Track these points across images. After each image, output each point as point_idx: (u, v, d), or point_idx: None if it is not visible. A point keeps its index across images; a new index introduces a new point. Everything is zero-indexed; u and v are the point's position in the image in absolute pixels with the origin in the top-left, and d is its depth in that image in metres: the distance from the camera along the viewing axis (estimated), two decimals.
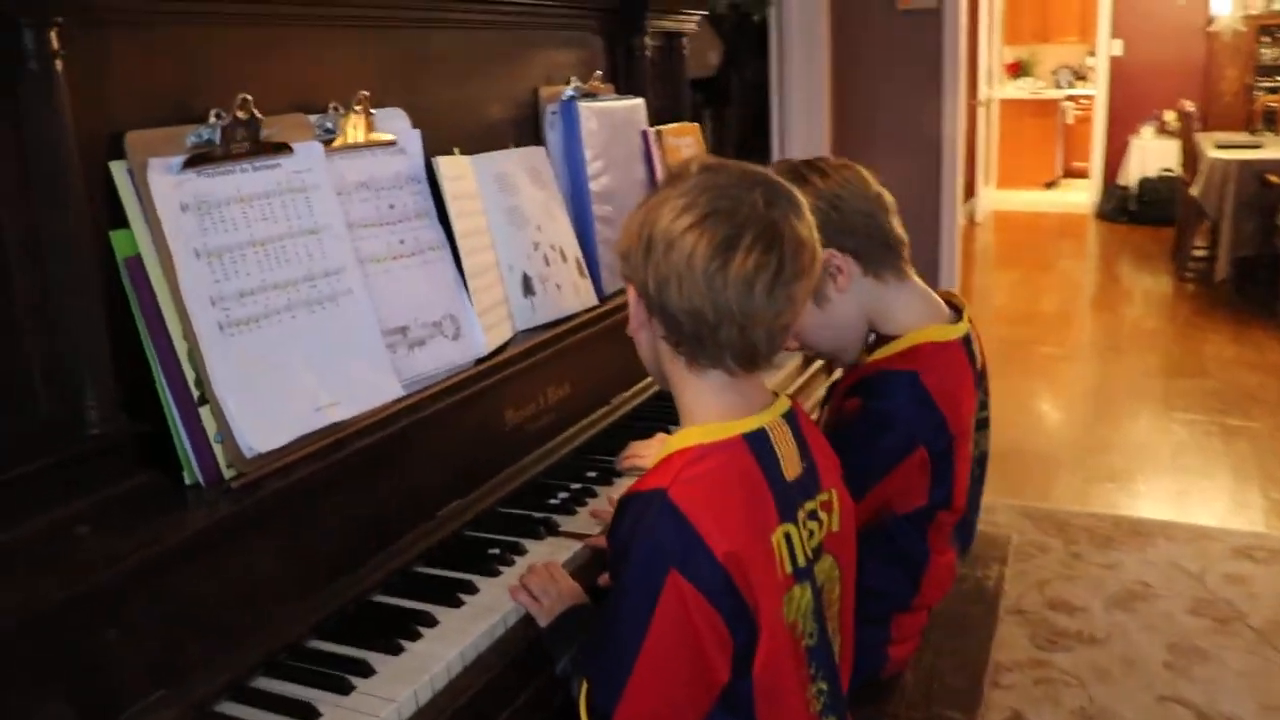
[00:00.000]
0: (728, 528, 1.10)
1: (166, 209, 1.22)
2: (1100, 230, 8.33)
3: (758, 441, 1.17)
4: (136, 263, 1.20)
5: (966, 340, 1.57)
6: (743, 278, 1.11)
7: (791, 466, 1.19)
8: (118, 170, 1.20)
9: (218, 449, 1.23)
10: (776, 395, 1.26)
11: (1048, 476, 3.69)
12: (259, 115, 1.32)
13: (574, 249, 1.96)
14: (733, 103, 6.56)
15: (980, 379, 1.62)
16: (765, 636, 1.13)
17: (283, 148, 1.37)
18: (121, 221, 1.20)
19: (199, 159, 1.26)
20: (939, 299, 1.60)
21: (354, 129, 1.50)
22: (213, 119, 1.28)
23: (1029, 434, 4.11)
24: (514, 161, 1.87)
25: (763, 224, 1.12)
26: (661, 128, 2.30)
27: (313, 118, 1.46)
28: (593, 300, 1.96)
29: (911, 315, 1.53)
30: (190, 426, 1.22)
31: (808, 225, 1.17)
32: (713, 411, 1.19)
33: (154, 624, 1.11)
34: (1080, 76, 10.50)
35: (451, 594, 1.35)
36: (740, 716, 1.15)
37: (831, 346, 1.58)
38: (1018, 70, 10.77)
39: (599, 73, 2.11)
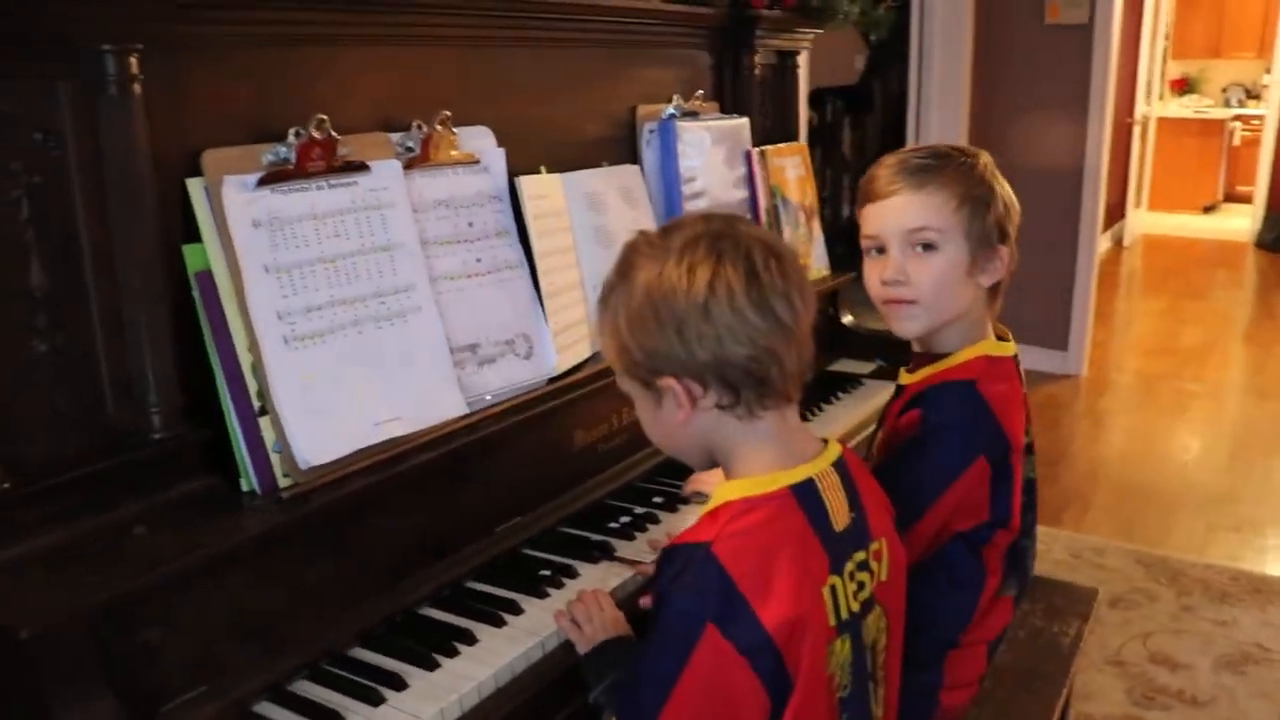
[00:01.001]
0: (778, 591, 1.08)
1: (238, 225, 1.27)
2: (1259, 260, 7.87)
3: (805, 492, 1.14)
4: (206, 277, 1.25)
5: (1016, 360, 1.56)
6: (780, 292, 1.10)
7: (840, 517, 1.16)
8: (194, 187, 1.25)
9: (275, 459, 1.28)
10: (826, 442, 1.23)
11: (1167, 520, 3.51)
12: (335, 134, 1.36)
13: None
14: (874, 111, 6.47)
15: (1024, 402, 1.59)
16: (800, 691, 1.10)
17: (360, 166, 1.41)
18: (195, 236, 1.25)
19: (274, 176, 1.31)
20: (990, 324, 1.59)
21: (436, 147, 1.53)
22: (291, 137, 1.33)
23: (1152, 473, 3.92)
24: (605, 180, 1.88)
25: (758, 243, 1.12)
26: (766, 148, 2.27)
27: (395, 135, 1.49)
28: None
29: (968, 335, 1.51)
30: (249, 436, 1.26)
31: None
32: (761, 463, 1.16)
33: (200, 623, 1.15)
34: (1253, 95, 9.93)
35: (496, 613, 1.37)
36: None
37: (940, 315, 1.52)
38: (1183, 86, 10.26)
39: (700, 92, 2.10)
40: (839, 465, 1.19)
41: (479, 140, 1.62)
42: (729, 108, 2.24)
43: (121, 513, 1.16)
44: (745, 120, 2.22)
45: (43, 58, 1.09)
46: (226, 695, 1.17)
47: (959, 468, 1.43)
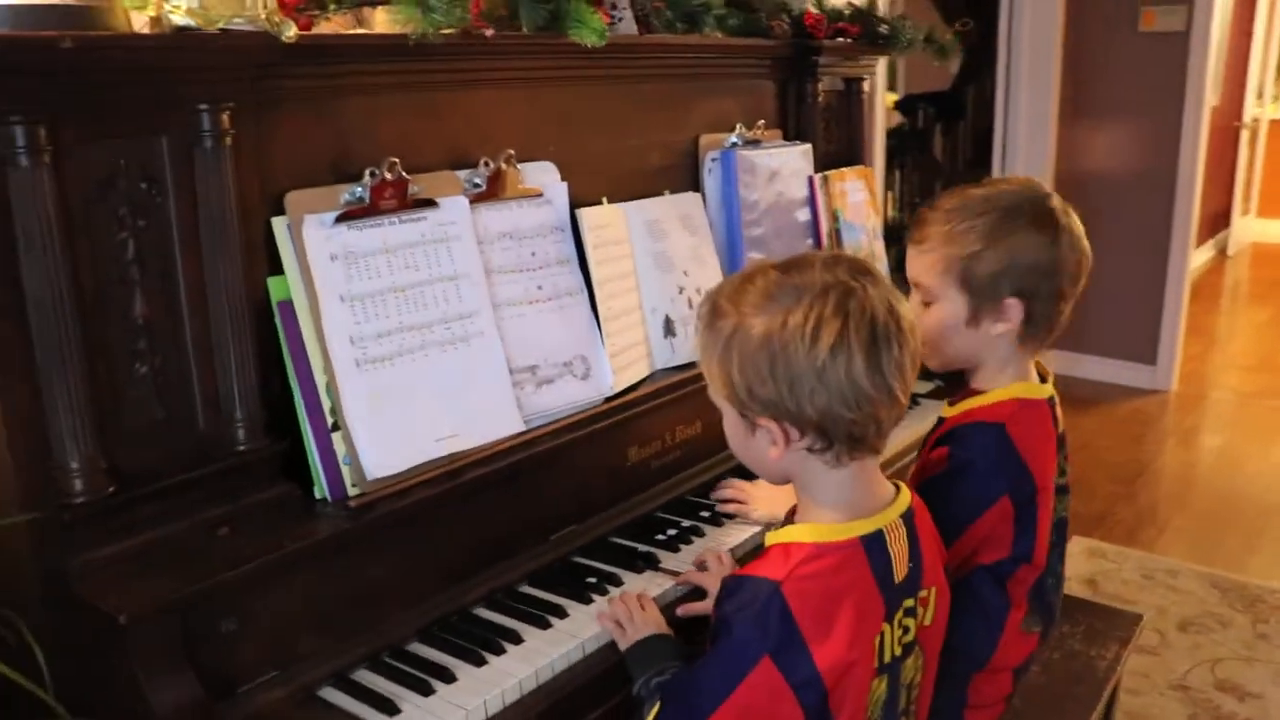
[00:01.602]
0: (836, 636, 1.15)
1: (317, 259, 1.41)
2: None
3: (874, 545, 1.20)
4: (287, 306, 1.40)
5: (1051, 402, 1.60)
6: (896, 366, 1.15)
7: (901, 567, 1.23)
8: (278, 225, 1.40)
9: (345, 470, 1.41)
10: (898, 488, 1.29)
11: (1248, 545, 3.47)
12: (405, 174, 1.49)
13: None
14: (966, 117, 6.43)
15: (1062, 443, 1.63)
16: None
17: (429, 203, 1.54)
18: (279, 269, 1.39)
19: (350, 214, 1.44)
20: (1033, 366, 1.62)
21: (501, 183, 1.66)
22: (366, 178, 1.46)
23: (1237, 496, 3.86)
24: (665, 208, 1.98)
25: (884, 307, 1.15)
26: (829, 172, 2.35)
27: (463, 173, 1.62)
28: None
29: (1003, 375, 1.56)
30: (323, 448, 1.40)
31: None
32: (838, 509, 1.22)
33: (273, 616, 1.29)
34: None
35: (542, 616, 1.49)
36: None
37: (952, 358, 1.60)
38: None
39: (762, 121, 2.18)
40: (907, 516, 1.25)
41: (543, 175, 1.74)
42: (792, 135, 2.32)
43: (208, 516, 1.31)
44: (807, 147, 2.30)
45: (149, 116, 1.24)
46: (295, 680, 1.31)
47: (982, 507, 1.48)
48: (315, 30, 1.46)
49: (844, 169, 2.41)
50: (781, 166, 2.22)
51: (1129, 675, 2.74)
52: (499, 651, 1.41)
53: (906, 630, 1.26)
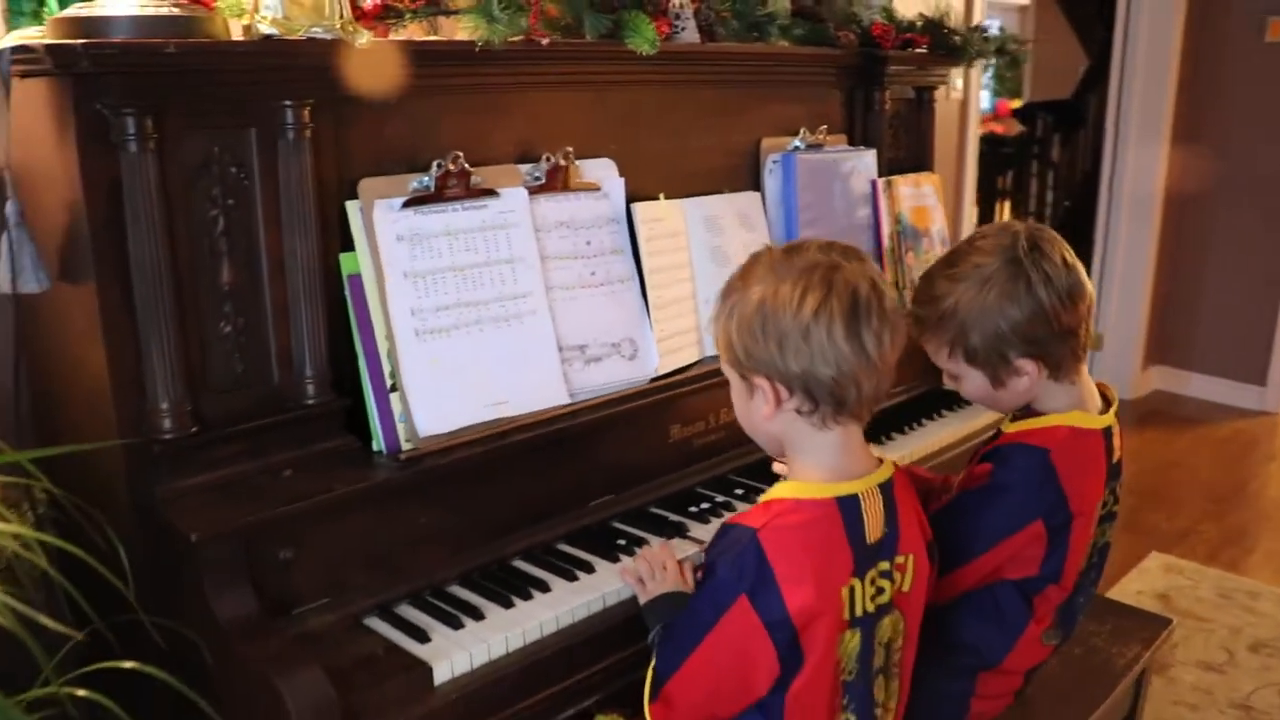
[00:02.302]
0: (804, 582, 1.28)
1: (384, 239, 1.59)
2: None
3: (848, 506, 1.32)
4: (357, 279, 1.58)
5: (1107, 432, 1.62)
6: (874, 334, 1.28)
7: (875, 530, 1.34)
8: (351, 208, 1.58)
9: (400, 427, 1.59)
10: (882, 461, 1.41)
11: None
12: (468, 166, 1.66)
13: None
14: (1087, 126, 6.32)
15: (1116, 472, 1.66)
16: (809, 668, 1.31)
17: (490, 192, 1.71)
18: (350, 246, 1.58)
19: (416, 200, 1.62)
20: (1095, 390, 1.65)
21: (560, 177, 1.82)
22: (434, 168, 1.64)
23: None
24: (724, 205, 2.11)
25: (867, 283, 1.29)
26: (894, 177, 2.44)
27: (526, 167, 1.79)
28: None
29: (1061, 402, 1.59)
30: (381, 407, 1.58)
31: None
32: (821, 471, 1.36)
33: (327, 550, 1.48)
34: None
35: (571, 570, 1.64)
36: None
37: (1009, 409, 1.65)
38: None
39: (824, 126, 2.29)
40: (885, 486, 1.37)
41: (601, 170, 1.89)
42: (858, 140, 2.42)
43: (276, 459, 1.50)
44: (872, 152, 2.39)
45: (240, 111, 1.44)
46: (345, 608, 1.49)
47: (1014, 528, 1.55)
48: (391, 37, 1.64)
49: (911, 174, 2.50)
50: (842, 170, 2.32)
51: (1189, 691, 2.74)
52: (527, 597, 1.57)
53: (881, 591, 1.36)
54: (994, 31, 2.63)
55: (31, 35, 1.38)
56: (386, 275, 1.59)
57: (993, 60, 2.49)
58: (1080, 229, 4.87)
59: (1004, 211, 7.02)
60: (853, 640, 1.35)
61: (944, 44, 2.43)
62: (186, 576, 1.38)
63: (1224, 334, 4.73)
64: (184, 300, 1.43)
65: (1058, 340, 1.54)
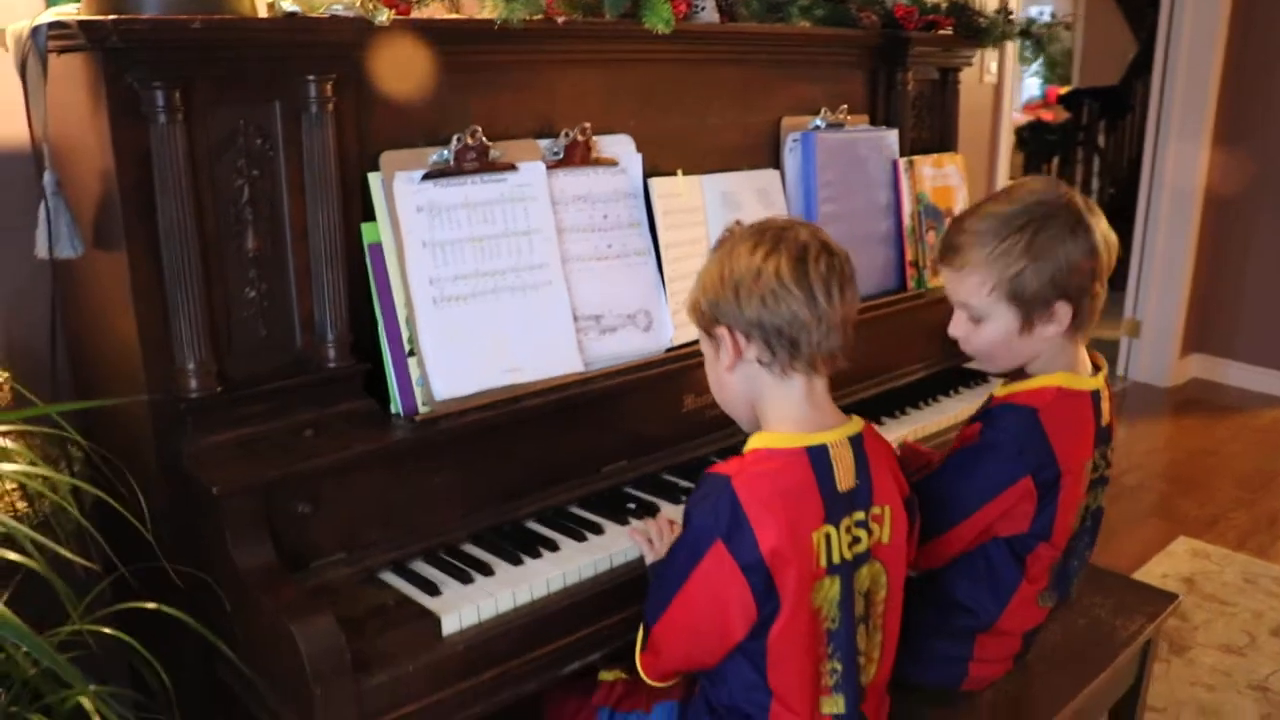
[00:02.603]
0: (776, 524, 1.34)
1: (404, 209, 1.65)
2: None
3: (818, 455, 1.39)
4: (377, 248, 1.64)
5: (1095, 395, 1.65)
6: (821, 279, 1.37)
7: (845, 480, 1.40)
8: (373, 180, 1.64)
9: (418, 390, 1.65)
10: (851, 417, 1.47)
11: None
12: (487, 141, 1.72)
13: None
14: (1134, 112, 6.25)
15: (1106, 436, 1.69)
16: (786, 613, 1.37)
17: (509, 166, 1.77)
18: (372, 216, 1.64)
19: (435, 173, 1.68)
20: (1086, 356, 1.68)
21: (578, 152, 1.87)
22: (454, 142, 1.70)
23: None
24: (742, 182, 2.15)
25: (816, 241, 1.40)
26: (915, 158, 2.46)
27: (545, 142, 1.84)
28: None
29: (1057, 363, 1.62)
30: (399, 371, 1.65)
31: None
32: (788, 424, 1.43)
33: (344, 506, 1.54)
34: None
35: (581, 531, 1.70)
36: (754, 668, 1.41)
37: (1010, 364, 1.66)
38: None
39: (845, 106, 2.32)
40: (854, 439, 1.43)
41: (619, 146, 1.94)
42: (880, 120, 2.44)
43: (298, 419, 1.57)
44: (893, 132, 2.41)
45: (265, 85, 1.50)
46: (360, 563, 1.56)
47: (1004, 484, 1.58)
48: (413, 15, 1.69)
49: (933, 154, 2.52)
50: (863, 149, 2.35)
51: (1208, 672, 2.74)
52: (536, 556, 1.63)
53: (858, 540, 1.41)
54: (1043, 15, 2.63)
55: (68, 12, 1.45)
56: (406, 245, 1.65)
57: (1018, 43, 2.49)
58: (1125, 217, 4.83)
59: None
60: (832, 587, 1.40)
61: (969, 26, 2.45)
62: (209, 528, 1.46)
63: (1264, 323, 4.67)
64: (210, 266, 1.50)
65: (1091, 296, 1.58)
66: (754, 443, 1.43)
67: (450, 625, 1.47)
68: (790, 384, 1.42)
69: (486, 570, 1.58)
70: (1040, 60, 10.55)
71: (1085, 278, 1.56)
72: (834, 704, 1.44)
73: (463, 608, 1.49)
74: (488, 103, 1.78)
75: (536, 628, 1.53)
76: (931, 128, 2.59)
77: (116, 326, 1.55)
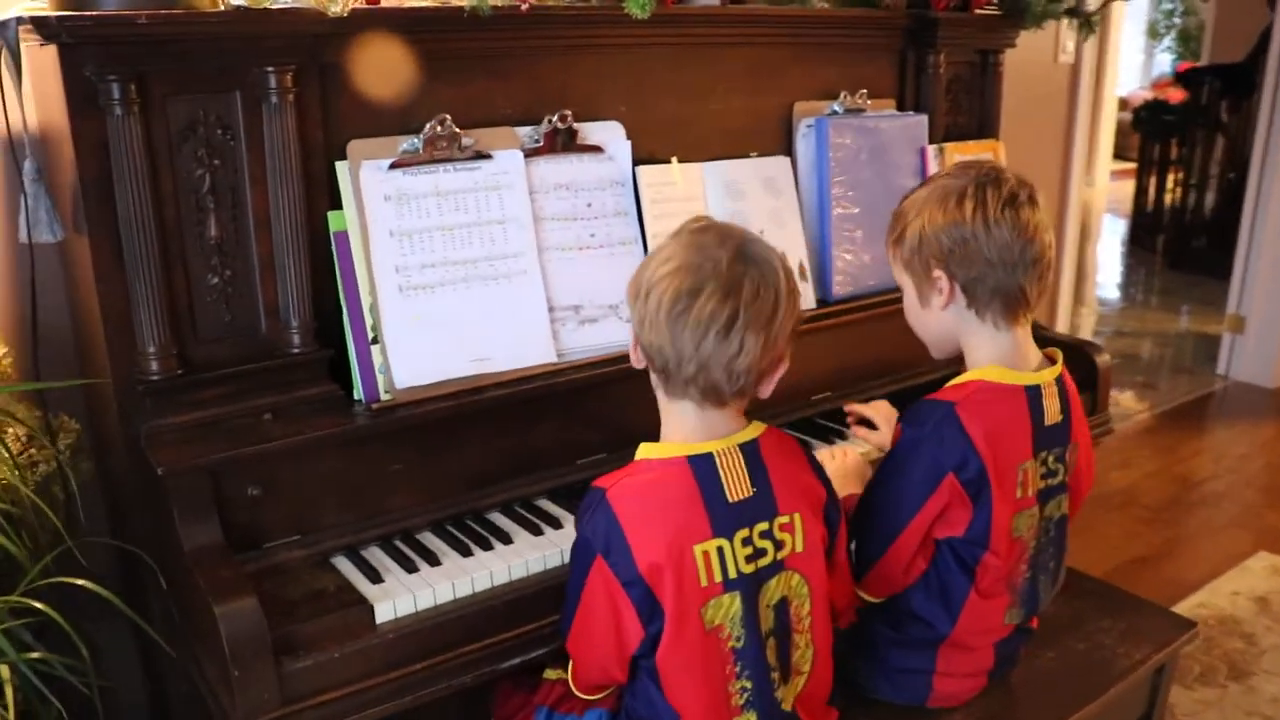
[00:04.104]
0: (652, 538, 1.31)
1: (371, 198, 1.67)
2: None
3: (702, 464, 1.34)
4: (343, 236, 1.66)
5: (1033, 391, 1.56)
6: (699, 323, 1.30)
7: (737, 490, 1.35)
8: (340, 168, 1.66)
9: (380, 378, 1.67)
10: (751, 423, 1.41)
11: None
12: (457, 129, 1.72)
13: (799, 255, 2.15)
14: (1258, 92, 5.84)
15: (1058, 437, 1.59)
16: (670, 631, 1.33)
17: (484, 155, 1.76)
18: (339, 205, 1.66)
19: (404, 162, 1.69)
20: (1033, 353, 1.60)
21: (559, 139, 1.85)
22: (425, 131, 1.70)
23: None
24: (747, 170, 2.10)
25: (723, 279, 1.31)
26: (947, 144, 2.36)
27: (526, 130, 1.83)
28: (809, 304, 2.14)
29: (985, 353, 1.57)
30: (362, 358, 1.66)
31: (774, 283, 1.33)
32: (677, 435, 1.40)
33: (297, 489, 1.58)
34: None
35: (539, 525, 1.69)
36: (655, 686, 1.38)
37: (924, 338, 1.66)
38: None
39: (864, 90, 2.23)
40: (748, 446, 1.38)
41: (606, 133, 1.92)
42: (909, 105, 2.35)
43: (259, 403, 1.60)
44: (921, 118, 2.31)
45: (223, 76, 1.53)
46: (314, 546, 1.59)
47: (930, 483, 1.52)
48: (381, 4, 1.69)
49: (968, 141, 2.41)
50: (885, 135, 2.26)
51: (1268, 702, 2.58)
52: (488, 548, 1.63)
53: (762, 553, 1.36)
54: None
55: (37, 6, 1.51)
56: (371, 233, 1.67)
57: (1063, 22, 2.36)
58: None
59: (1169, 182, 6.60)
60: (732, 604, 1.35)
61: (1010, 4, 2.32)
62: (161, 506, 1.51)
63: None
64: (170, 253, 1.54)
65: (982, 274, 1.51)
66: (640, 452, 1.40)
67: (383, 614, 1.48)
68: (683, 402, 1.38)
69: (434, 560, 1.59)
70: (1173, 35, 10.00)
71: (959, 246, 1.51)
72: None
73: (399, 597, 1.50)
74: (463, 91, 1.77)
75: (475, 620, 1.53)
76: (969, 112, 2.47)
77: (88, 308, 1.61)
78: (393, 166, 1.69)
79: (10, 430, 1.71)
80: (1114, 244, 7.66)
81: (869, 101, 2.25)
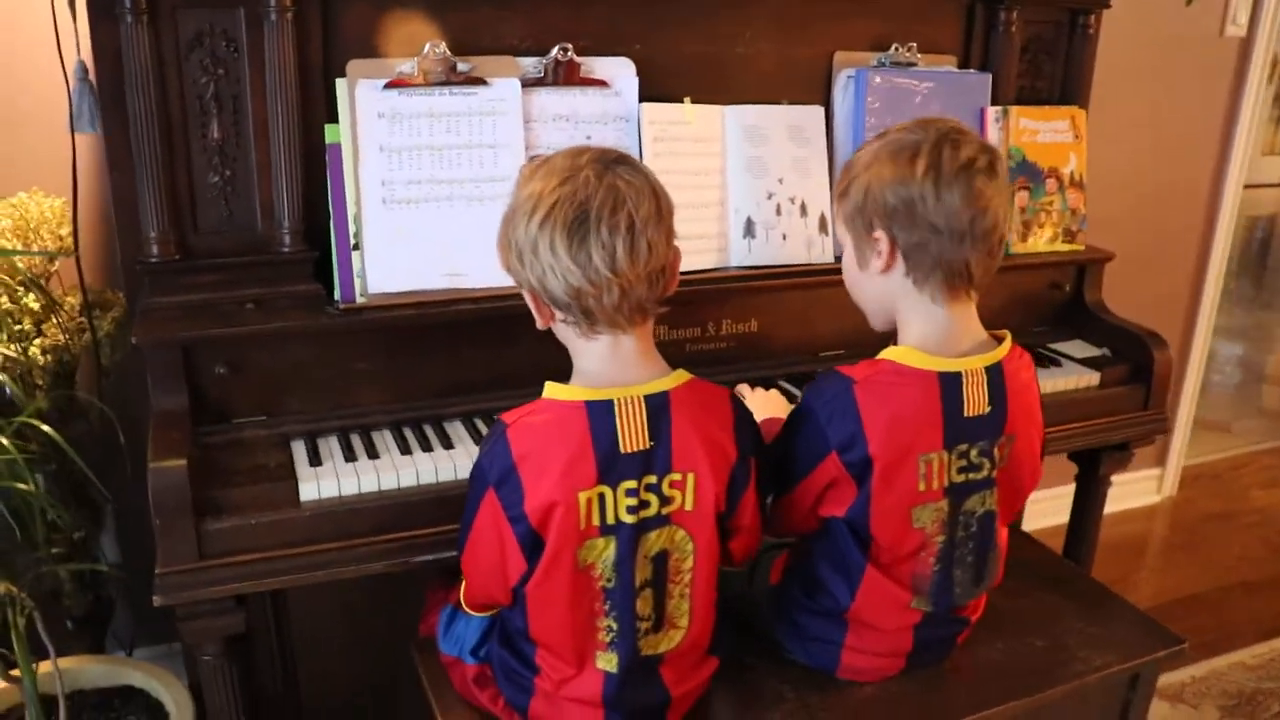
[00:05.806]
0: (542, 479, 1.33)
1: (364, 114, 1.79)
2: None
3: (599, 411, 1.34)
4: (336, 148, 1.80)
5: (951, 378, 1.47)
6: (603, 247, 1.29)
7: (632, 441, 1.35)
8: (340, 85, 1.79)
9: (357, 282, 1.81)
10: (674, 372, 1.41)
11: None
12: (449, 54, 1.81)
13: (822, 206, 2.12)
14: None
15: (984, 429, 1.51)
16: (544, 565, 1.37)
17: (479, 80, 1.85)
18: (335, 119, 1.80)
19: (399, 83, 1.80)
20: (964, 332, 1.51)
21: (561, 71, 1.91)
22: (422, 54, 1.81)
23: None
24: (771, 117, 2.09)
25: (603, 192, 1.29)
26: (1014, 107, 2.25)
27: (531, 60, 1.90)
28: (826, 257, 2.12)
29: (912, 331, 1.51)
30: (343, 261, 1.80)
31: (644, 171, 1.34)
32: (587, 376, 1.41)
33: (264, 375, 1.74)
34: None
35: (482, 433, 1.79)
36: (521, 613, 1.44)
37: (861, 304, 1.61)
38: None
39: (914, 44, 2.15)
40: (655, 398, 1.36)
41: (615, 69, 1.95)
42: (974, 64, 2.24)
43: (244, 293, 1.77)
44: (983, 77, 2.21)
45: None
46: (277, 427, 1.76)
47: (815, 455, 1.50)
48: None
49: (1041, 107, 2.28)
50: (933, 94, 2.17)
51: None
52: (427, 449, 1.75)
53: (646, 505, 1.37)
54: None
55: None
56: (360, 147, 1.80)
57: None
58: None
59: None
60: (607, 548, 1.38)
61: None
62: (142, 380, 1.71)
63: None
64: (175, 151, 1.73)
65: (925, 240, 1.45)
66: (546, 391, 1.39)
67: (308, 493, 1.63)
68: (594, 342, 1.39)
69: (373, 454, 1.72)
70: None
71: (903, 206, 1.44)
72: (607, 660, 1.45)
73: (325, 480, 1.64)
74: (470, 18, 1.86)
75: (391, 513, 1.65)
76: (1051, 77, 2.33)
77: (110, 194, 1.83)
78: (388, 86, 1.80)
79: (69, 300, 1.98)
80: None
81: (920, 56, 2.17)
